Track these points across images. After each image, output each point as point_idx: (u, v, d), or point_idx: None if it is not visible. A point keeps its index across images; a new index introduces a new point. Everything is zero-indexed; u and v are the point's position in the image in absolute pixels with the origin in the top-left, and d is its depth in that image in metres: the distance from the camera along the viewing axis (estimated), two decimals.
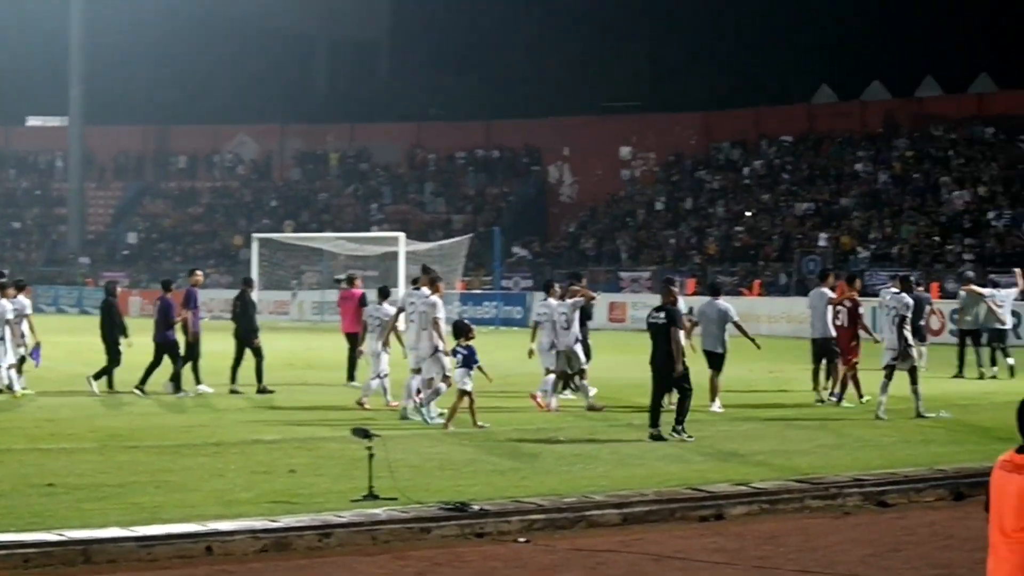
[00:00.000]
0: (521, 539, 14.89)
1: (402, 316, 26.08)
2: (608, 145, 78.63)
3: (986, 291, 34.10)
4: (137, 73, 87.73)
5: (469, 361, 23.29)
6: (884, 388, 25.17)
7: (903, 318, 25.15)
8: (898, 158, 68.05)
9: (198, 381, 29.61)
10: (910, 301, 25.75)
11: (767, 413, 26.06)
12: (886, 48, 76.77)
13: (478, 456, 20.02)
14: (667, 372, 22.10)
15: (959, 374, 33.79)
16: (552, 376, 26.54)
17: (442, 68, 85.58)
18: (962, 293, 34.87)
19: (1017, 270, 37.20)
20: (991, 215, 59.15)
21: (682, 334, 22.41)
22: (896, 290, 26.00)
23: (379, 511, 15.28)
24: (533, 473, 18.39)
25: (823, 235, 62.46)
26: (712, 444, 21.67)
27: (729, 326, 26.63)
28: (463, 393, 23.25)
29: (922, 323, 32.25)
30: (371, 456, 16.08)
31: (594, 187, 78.07)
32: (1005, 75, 70.74)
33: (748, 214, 68.17)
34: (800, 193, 68.70)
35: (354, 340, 30.15)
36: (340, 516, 15.04)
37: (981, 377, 33.33)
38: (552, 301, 26.82)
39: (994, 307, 33.50)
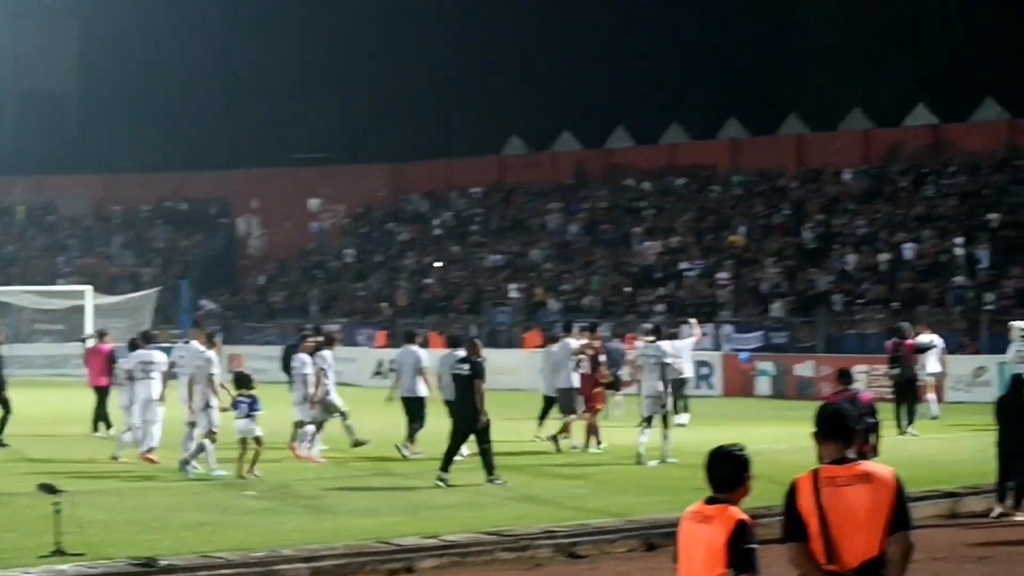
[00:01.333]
0: None
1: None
2: (297, 197, 77.31)
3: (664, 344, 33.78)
4: None
5: (252, 410, 23.53)
6: (644, 433, 25.71)
7: (664, 365, 25.94)
8: (589, 209, 67.92)
9: None
10: (668, 348, 26.62)
11: (467, 463, 25.21)
12: (576, 99, 76.98)
13: (169, 510, 19.71)
14: (468, 421, 22.58)
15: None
16: (311, 427, 26.62)
17: (131, 120, 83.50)
18: (638, 344, 33.82)
19: (692, 320, 37.34)
20: (683, 265, 59.09)
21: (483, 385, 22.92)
22: (652, 339, 26.89)
23: (66, 567, 15.11)
24: (223, 527, 18.06)
25: (514, 286, 61.79)
26: (403, 497, 21.36)
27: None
28: (253, 440, 23.45)
29: (619, 373, 32.63)
30: (57, 511, 15.91)
31: (284, 239, 76.69)
32: (695, 126, 71.67)
33: (437, 265, 67.38)
34: (490, 244, 68.23)
35: (102, 393, 30.71)
36: (28, 572, 14.87)
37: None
38: (303, 356, 26.89)
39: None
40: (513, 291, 61.43)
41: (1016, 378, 21.01)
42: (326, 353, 27.14)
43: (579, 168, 72.26)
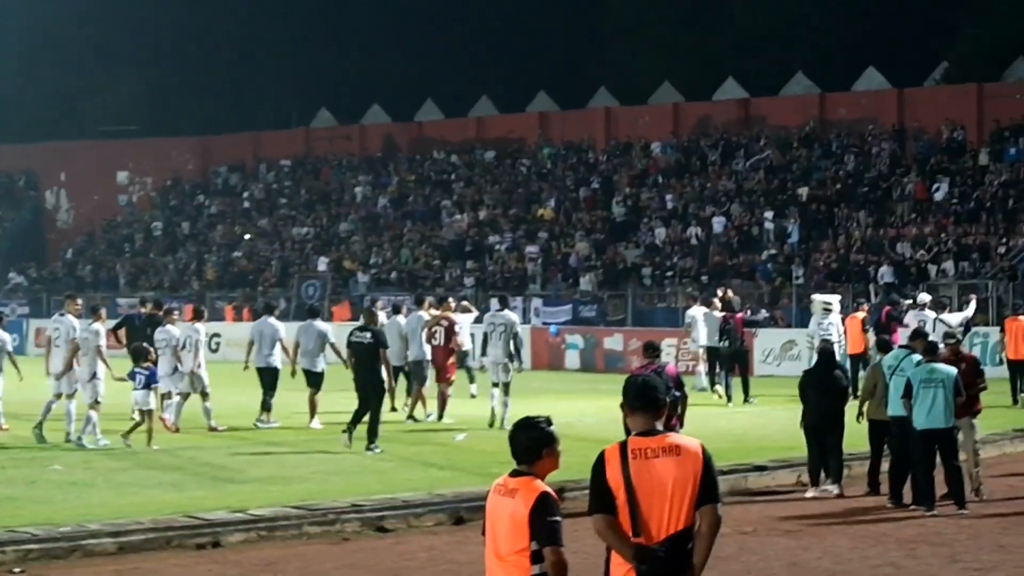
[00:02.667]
0: (17, 569, 14.55)
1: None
2: (105, 170, 75.68)
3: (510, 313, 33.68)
4: None
5: (150, 382, 23.82)
6: (494, 396, 26.96)
7: (515, 334, 27.08)
8: (398, 182, 67.59)
9: None
10: (515, 318, 27.88)
11: (276, 437, 25.82)
12: (385, 72, 76.66)
13: None
14: (375, 388, 23.22)
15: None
16: (178, 398, 26.68)
17: None
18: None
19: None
20: (492, 239, 59.06)
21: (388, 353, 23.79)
22: (499, 307, 28.26)
23: None
24: (30, 502, 17.85)
25: (323, 259, 61.23)
26: (210, 471, 21.14)
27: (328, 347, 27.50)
28: (145, 412, 23.71)
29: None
30: None
31: (91, 212, 75.09)
32: (504, 99, 71.08)
33: (246, 237, 66.56)
34: (299, 218, 67.41)
35: None
36: None
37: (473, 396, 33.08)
38: (172, 328, 26.88)
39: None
40: (321, 264, 60.95)
41: (823, 350, 21.13)
42: (199, 326, 27.25)
43: (388, 141, 71.86)
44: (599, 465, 8.20)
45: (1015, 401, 32.06)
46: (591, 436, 21.71)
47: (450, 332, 28.98)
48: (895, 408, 19.44)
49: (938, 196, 52.18)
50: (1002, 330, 34.16)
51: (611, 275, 53.52)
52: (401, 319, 29.55)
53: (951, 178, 52.76)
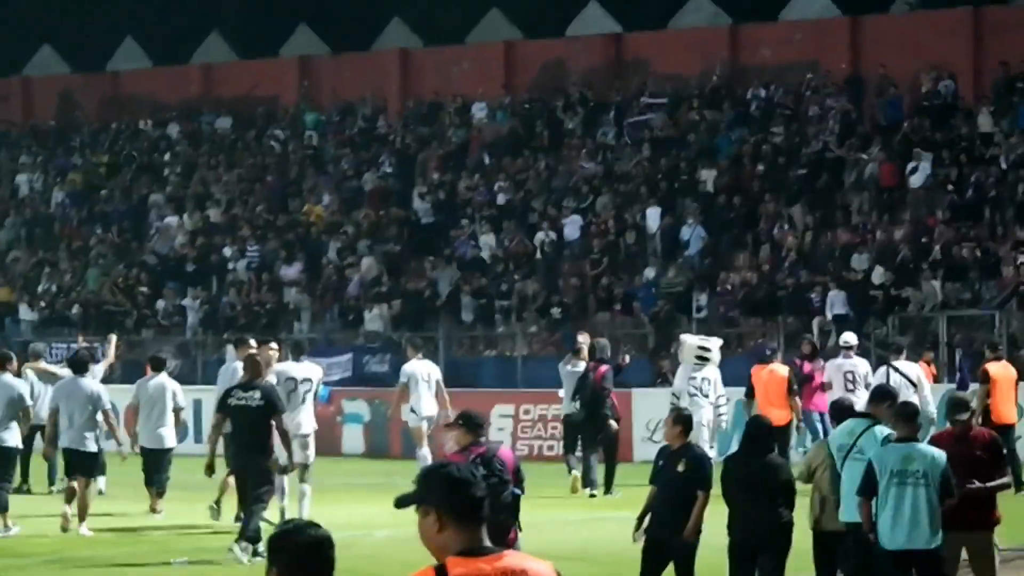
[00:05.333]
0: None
1: None
2: None
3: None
4: None
5: None
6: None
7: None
8: (82, 165, 68.22)
9: None
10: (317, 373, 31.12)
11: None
12: None
13: None
14: (259, 473, 26.22)
15: None
16: None
17: None
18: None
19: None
20: (228, 252, 59.69)
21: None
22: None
23: None
24: None
25: None
26: None
27: None
28: None
29: None
30: None
31: None
32: (245, 38, 72.31)
33: None
34: None
35: None
36: None
37: None
38: None
39: None
40: None
41: (756, 424, 21.23)
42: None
43: (65, 102, 72.03)
44: None
45: (1019, 484, 32.24)
46: (386, 557, 22.97)
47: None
48: (850, 512, 19.65)
49: (915, 181, 51.83)
50: (984, 381, 34.15)
51: (412, 307, 53.54)
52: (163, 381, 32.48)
53: (935, 154, 52.35)
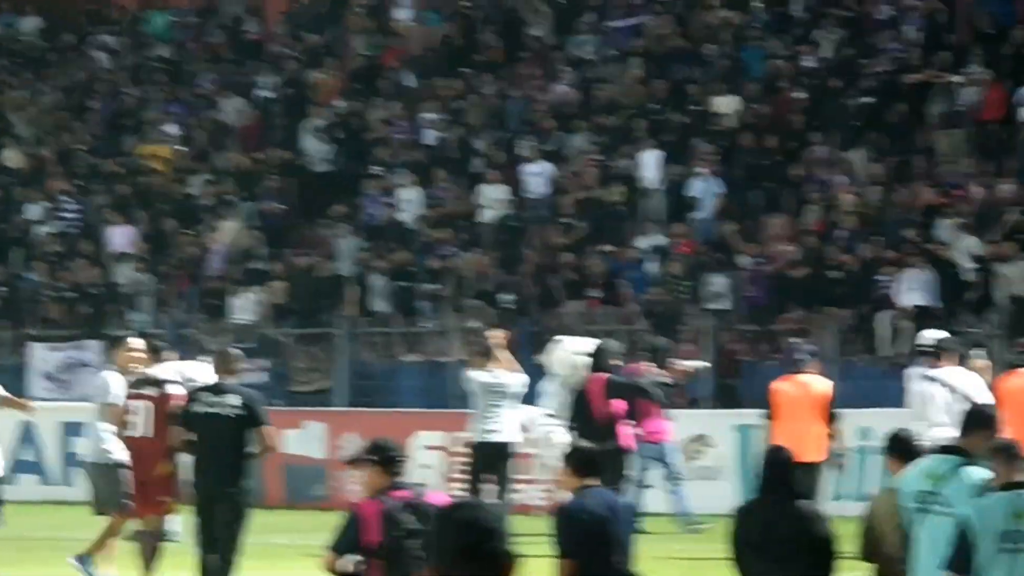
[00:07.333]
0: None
1: None
2: None
3: None
4: None
5: None
6: None
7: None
8: None
9: None
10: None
11: None
12: None
13: None
14: (233, 501, 29.21)
15: None
16: None
17: None
18: None
19: None
20: (33, 210, 60.39)
21: None
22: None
23: None
24: None
25: None
26: None
27: None
28: None
29: None
30: None
31: None
32: None
33: None
34: None
35: None
36: None
37: None
38: None
39: None
40: None
41: (775, 459, 21.00)
42: None
43: None
44: None
45: None
46: None
47: (163, 406, 31.06)
48: None
49: None
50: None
51: (300, 292, 54.32)
52: None
53: None
